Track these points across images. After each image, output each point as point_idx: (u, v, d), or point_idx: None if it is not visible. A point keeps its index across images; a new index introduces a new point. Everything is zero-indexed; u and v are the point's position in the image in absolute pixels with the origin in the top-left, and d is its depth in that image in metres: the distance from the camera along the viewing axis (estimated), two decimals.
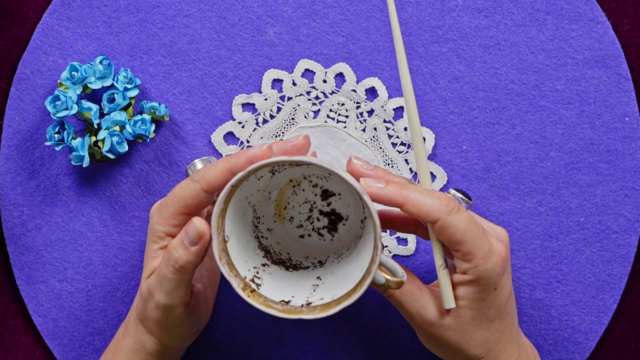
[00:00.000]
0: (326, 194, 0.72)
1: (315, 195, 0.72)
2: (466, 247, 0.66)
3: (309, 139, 0.68)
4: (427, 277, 0.79)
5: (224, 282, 0.79)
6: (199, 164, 0.75)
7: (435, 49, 0.78)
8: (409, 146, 0.79)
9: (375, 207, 0.64)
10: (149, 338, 0.72)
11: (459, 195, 0.73)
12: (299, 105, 0.79)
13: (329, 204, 0.72)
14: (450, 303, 0.68)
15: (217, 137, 0.79)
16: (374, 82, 0.78)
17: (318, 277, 0.70)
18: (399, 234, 0.79)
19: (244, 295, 0.65)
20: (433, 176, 0.79)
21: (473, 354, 0.69)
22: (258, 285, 0.67)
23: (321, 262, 0.72)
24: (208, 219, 0.74)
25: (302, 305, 0.66)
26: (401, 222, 0.71)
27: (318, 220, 0.73)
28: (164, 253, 0.68)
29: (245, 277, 0.67)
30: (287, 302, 0.67)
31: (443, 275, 0.68)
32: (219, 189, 0.67)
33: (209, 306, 0.76)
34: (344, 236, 0.73)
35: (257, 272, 0.68)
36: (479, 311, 0.68)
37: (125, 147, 0.76)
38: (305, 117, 0.79)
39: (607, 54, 0.78)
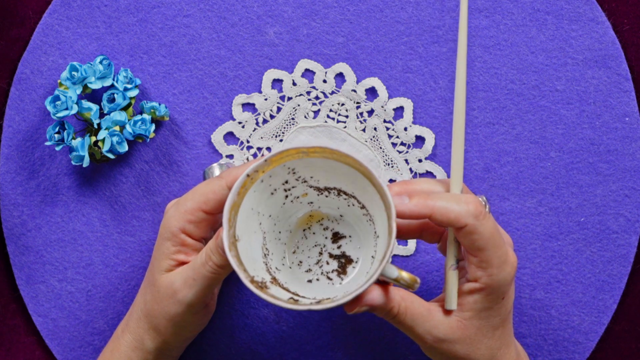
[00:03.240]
0: (337, 237, 0.72)
1: (326, 238, 0.72)
2: (485, 255, 0.65)
3: None
4: (427, 277, 0.79)
5: (224, 283, 0.79)
6: (216, 168, 0.75)
7: (435, 49, 0.78)
8: (409, 146, 0.79)
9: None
10: (151, 335, 0.72)
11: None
12: (299, 105, 0.79)
13: (339, 247, 0.72)
14: (452, 304, 0.67)
15: (217, 137, 0.79)
16: (374, 82, 0.78)
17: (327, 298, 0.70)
18: None
19: (251, 286, 0.64)
20: (433, 177, 0.79)
21: None
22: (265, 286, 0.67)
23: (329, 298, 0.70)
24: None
25: (310, 303, 0.65)
26: (405, 229, 0.71)
27: (327, 263, 0.71)
28: (202, 252, 0.68)
29: (253, 277, 0.66)
30: (296, 301, 0.66)
31: (452, 275, 0.67)
32: None
33: (214, 305, 0.76)
34: (353, 279, 0.71)
35: (264, 279, 0.68)
36: (486, 320, 0.68)
37: (125, 147, 0.76)
38: (305, 117, 0.79)
39: (607, 54, 0.78)
